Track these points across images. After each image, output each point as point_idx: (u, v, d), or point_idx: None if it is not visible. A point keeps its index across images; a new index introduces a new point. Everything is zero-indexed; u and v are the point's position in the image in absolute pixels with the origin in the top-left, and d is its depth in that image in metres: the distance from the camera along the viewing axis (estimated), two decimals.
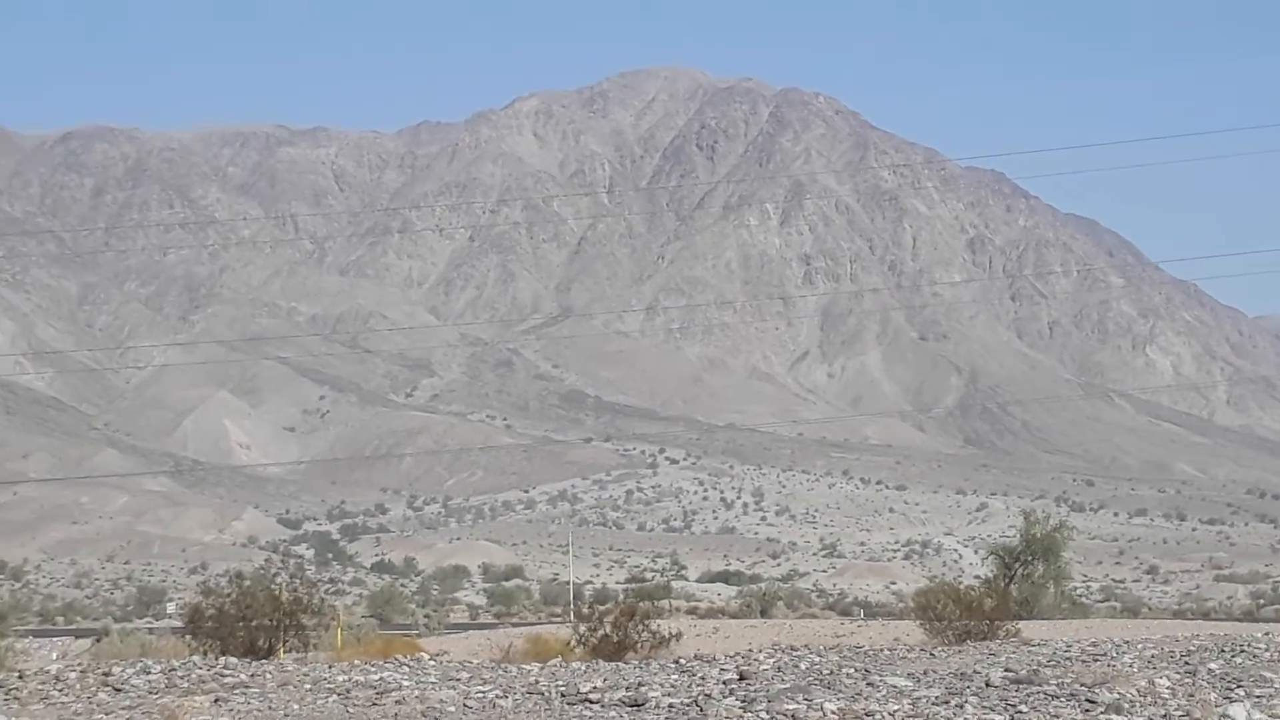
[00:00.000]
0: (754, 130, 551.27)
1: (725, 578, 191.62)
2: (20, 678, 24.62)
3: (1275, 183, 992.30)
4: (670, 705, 18.50)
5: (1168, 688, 19.65)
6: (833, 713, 17.32)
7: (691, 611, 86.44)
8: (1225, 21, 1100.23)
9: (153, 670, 25.41)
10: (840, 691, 19.41)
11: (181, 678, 24.18)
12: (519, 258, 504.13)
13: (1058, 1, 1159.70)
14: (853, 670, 22.56)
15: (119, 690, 22.56)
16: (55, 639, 51.87)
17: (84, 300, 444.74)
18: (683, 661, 27.09)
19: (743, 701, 18.51)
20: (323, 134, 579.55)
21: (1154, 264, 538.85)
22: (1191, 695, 19.06)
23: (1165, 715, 17.38)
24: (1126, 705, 17.90)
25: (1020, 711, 17.34)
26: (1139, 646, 27.75)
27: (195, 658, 29.45)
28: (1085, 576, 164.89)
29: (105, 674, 24.55)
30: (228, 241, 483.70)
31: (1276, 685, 20.50)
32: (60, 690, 22.71)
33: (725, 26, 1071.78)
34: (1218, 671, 21.90)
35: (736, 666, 23.83)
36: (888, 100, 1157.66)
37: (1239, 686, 20.19)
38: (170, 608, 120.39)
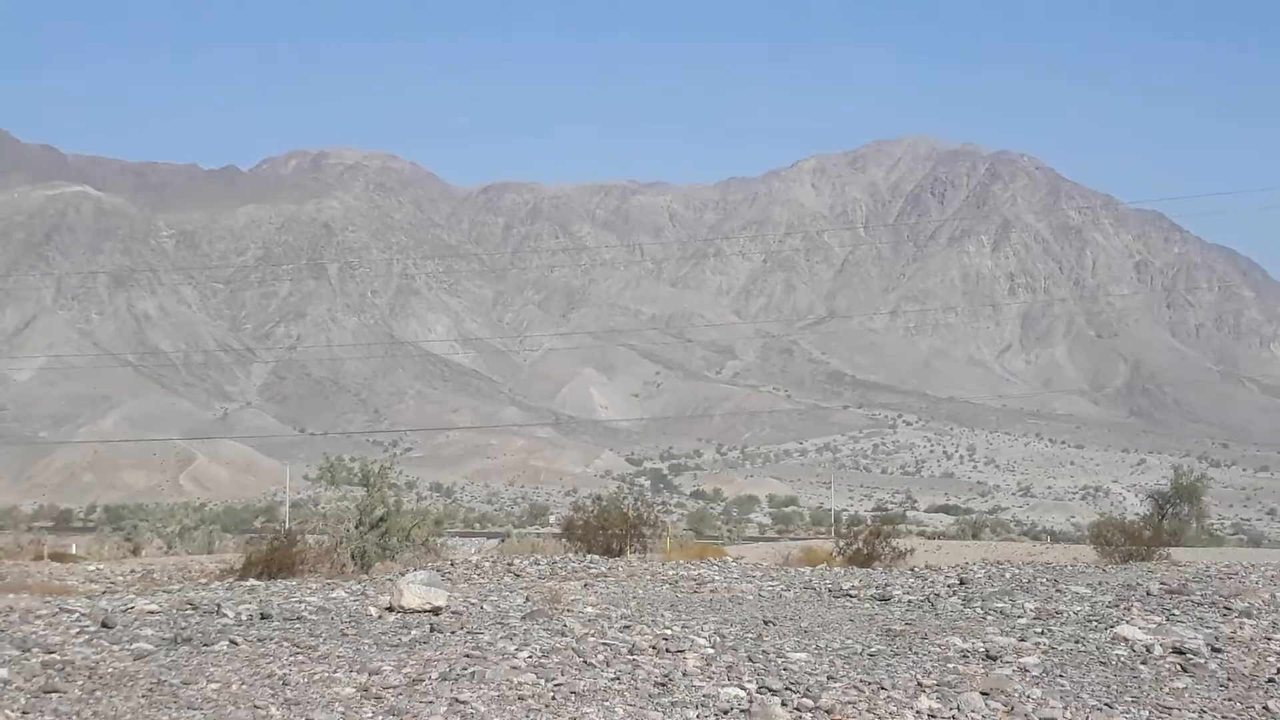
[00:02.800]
0: (974, 182, 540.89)
1: (946, 509, 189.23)
2: (451, 565, 25.32)
3: None
4: (909, 600, 18.29)
5: None
6: (1031, 610, 16.94)
7: (920, 534, 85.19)
8: None
9: (541, 562, 25.97)
10: (1036, 594, 18.99)
11: (560, 568, 24.64)
12: (799, 275, 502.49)
13: (1213, 91, 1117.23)
14: (1045, 580, 22.02)
15: (518, 575, 23.09)
16: (473, 539, 53.33)
17: (496, 303, 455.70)
18: (916, 569, 26.76)
19: (963, 600, 18.23)
20: (661, 186, 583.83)
21: (1278, 281, 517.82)
22: None
23: None
24: (1255, 611, 17.20)
25: (1174, 614, 16.75)
26: (1262, 568, 26.57)
27: (570, 555, 29.94)
28: (1220, 516, 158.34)
29: (509, 564, 25.16)
30: (594, 263, 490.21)
31: None
32: (478, 574, 23.33)
33: (954, 103, 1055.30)
34: None
35: (957, 574, 23.44)
36: (1076, 158, 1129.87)
37: None
38: (551, 519, 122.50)
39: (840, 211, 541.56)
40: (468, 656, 11.93)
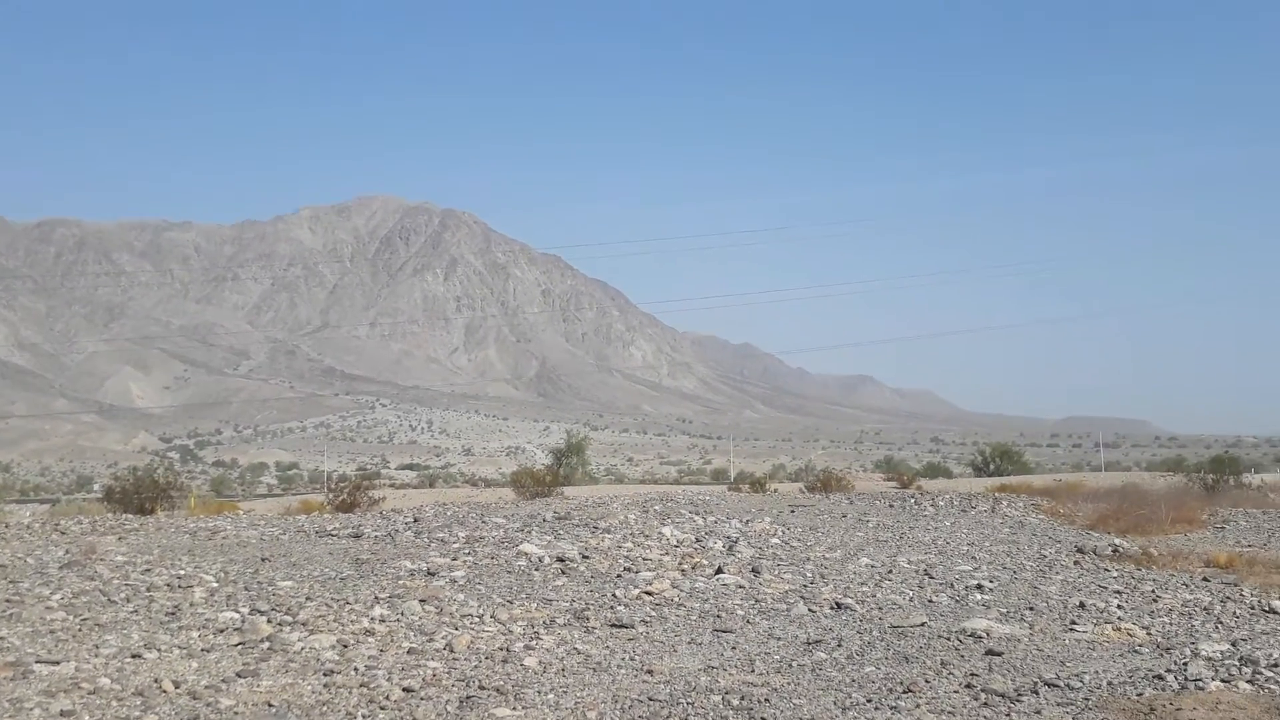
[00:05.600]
0: (431, 229, 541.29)
1: (411, 467, 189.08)
2: (5, 527, 22.44)
3: (702, 259, 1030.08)
4: (376, 536, 18.11)
5: (634, 518, 20.18)
6: (463, 537, 17.22)
7: (391, 485, 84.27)
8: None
9: (84, 522, 23.50)
10: (467, 525, 19.32)
11: (100, 526, 22.44)
12: (301, 295, 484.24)
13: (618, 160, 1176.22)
14: (475, 515, 22.46)
15: (64, 533, 20.77)
16: (28, 505, 47.46)
17: (48, 315, 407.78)
18: (384, 512, 26.49)
19: (415, 533, 18.27)
20: (190, 224, 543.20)
21: (635, 304, 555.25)
22: (645, 522, 19.62)
23: (631, 531, 17.86)
24: (613, 528, 18.35)
25: (560, 533, 17.57)
26: (622, 499, 28.41)
27: (110, 515, 27.33)
28: (597, 463, 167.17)
29: (56, 525, 22.59)
30: (133, 284, 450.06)
31: (686, 515, 21.27)
32: (29, 533, 20.80)
33: (415, 170, 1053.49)
34: (659, 510, 22.59)
35: (414, 514, 23.42)
36: (505, 214, 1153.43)
37: (668, 518, 20.89)
38: (96, 487, 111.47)
39: (332, 248, 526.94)
40: (8, 601, 10.66)
